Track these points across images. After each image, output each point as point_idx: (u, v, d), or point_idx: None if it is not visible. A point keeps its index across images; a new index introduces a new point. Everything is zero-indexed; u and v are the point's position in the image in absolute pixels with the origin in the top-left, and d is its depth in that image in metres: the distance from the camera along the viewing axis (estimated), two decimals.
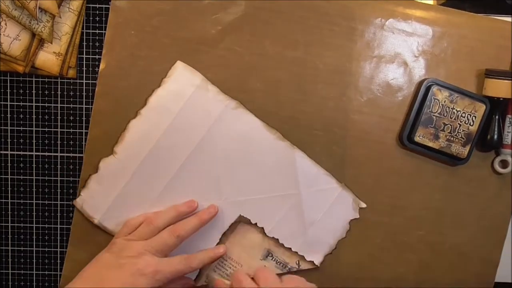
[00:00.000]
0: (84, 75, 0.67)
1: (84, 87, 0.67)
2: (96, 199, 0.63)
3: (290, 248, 0.64)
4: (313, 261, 0.64)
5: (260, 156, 0.64)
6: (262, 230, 0.64)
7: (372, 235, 0.66)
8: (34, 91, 0.67)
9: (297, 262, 0.65)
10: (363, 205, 0.65)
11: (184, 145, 0.63)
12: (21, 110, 0.67)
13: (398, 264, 0.66)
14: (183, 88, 0.63)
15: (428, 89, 0.63)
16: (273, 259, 0.65)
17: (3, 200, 0.69)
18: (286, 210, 0.64)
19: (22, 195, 0.68)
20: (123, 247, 0.59)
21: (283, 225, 0.64)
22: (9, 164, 0.68)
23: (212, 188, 0.64)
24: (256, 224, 0.64)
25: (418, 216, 0.66)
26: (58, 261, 0.69)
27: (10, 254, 0.69)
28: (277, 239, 0.64)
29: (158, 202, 0.63)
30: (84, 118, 0.67)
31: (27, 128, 0.68)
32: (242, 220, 0.64)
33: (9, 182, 0.68)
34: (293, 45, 0.64)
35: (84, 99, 0.67)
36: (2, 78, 0.67)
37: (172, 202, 0.63)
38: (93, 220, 0.63)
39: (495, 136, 0.63)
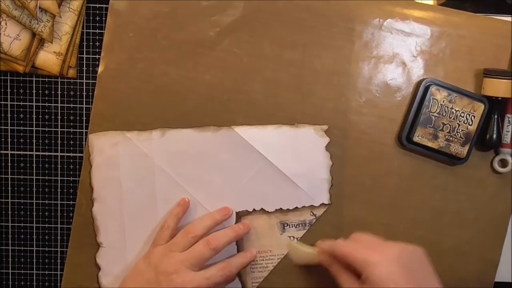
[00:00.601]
0: (84, 75, 0.67)
1: (84, 87, 0.67)
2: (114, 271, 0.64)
3: (296, 207, 0.65)
4: (323, 203, 0.65)
5: (214, 156, 0.64)
6: (263, 211, 0.65)
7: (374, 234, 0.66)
8: (34, 91, 0.67)
9: (311, 213, 0.65)
10: (325, 127, 0.65)
11: (148, 193, 0.64)
12: (21, 110, 0.67)
13: None
14: (109, 153, 0.64)
15: (426, 89, 0.63)
16: (291, 226, 0.65)
17: (3, 200, 0.69)
18: (269, 182, 0.64)
19: (22, 195, 0.69)
20: (161, 259, 0.59)
21: (276, 195, 0.65)
22: (9, 164, 0.68)
23: (197, 207, 0.65)
24: (254, 210, 0.64)
25: (417, 216, 0.66)
26: (58, 261, 0.69)
27: (10, 254, 0.69)
28: (280, 208, 0.65)
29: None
30: (84, 118, 0.67)
31: (27, 128, 0.68)
32: (241, 215, 0.64)
33: (9, 182, 0.68)
34: (291, 46, 0.64)
35: (84, 99, 0.67)
36: (2, 78, 0.67)
37: None
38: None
39: (494, 136, 0.63)
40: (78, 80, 0.67)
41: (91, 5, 0.66)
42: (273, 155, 0.64)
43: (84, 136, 0.67)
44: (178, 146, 0.64)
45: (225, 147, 0.64)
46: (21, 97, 0.67)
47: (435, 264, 0.65)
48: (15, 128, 0.68)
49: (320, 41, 0.64)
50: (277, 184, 0.64)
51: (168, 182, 0.64)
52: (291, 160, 0.64)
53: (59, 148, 0.68)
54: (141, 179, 0.64)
